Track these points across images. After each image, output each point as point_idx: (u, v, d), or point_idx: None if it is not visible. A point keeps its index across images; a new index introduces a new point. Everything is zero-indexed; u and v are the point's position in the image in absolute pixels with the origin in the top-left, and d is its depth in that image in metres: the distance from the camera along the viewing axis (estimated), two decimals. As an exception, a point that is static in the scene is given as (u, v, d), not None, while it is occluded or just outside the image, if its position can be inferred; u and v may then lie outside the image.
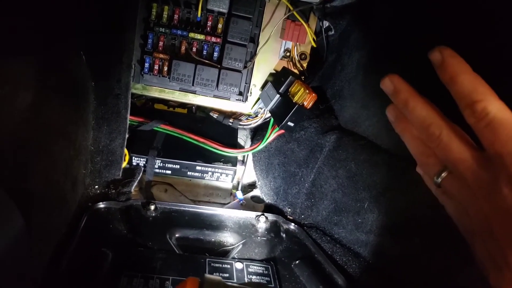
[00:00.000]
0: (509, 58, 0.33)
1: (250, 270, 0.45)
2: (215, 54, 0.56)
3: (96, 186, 0.53)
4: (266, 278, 0.44)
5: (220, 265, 0.44)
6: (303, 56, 0.60)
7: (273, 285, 0.44)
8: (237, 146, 0.65)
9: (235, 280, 0.43)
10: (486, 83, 0.26)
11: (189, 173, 0.61)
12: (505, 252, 0.24)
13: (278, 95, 0.55)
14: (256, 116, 0.62)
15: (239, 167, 0.63)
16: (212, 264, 0.44)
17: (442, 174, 0.29)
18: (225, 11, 0.54)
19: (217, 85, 0.57)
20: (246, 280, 0.43)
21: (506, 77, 0.31)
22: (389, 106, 0.35)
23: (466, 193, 0.28)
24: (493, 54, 0.35)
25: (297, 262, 0.48)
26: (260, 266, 0.46)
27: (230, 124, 0.63)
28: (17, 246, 0.33)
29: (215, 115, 0.64)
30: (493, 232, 0.25)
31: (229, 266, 0.44)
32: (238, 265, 0.45)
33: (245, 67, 0.57)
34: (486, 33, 0.36)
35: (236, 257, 0.48)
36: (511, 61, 0.33)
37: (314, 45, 0.58)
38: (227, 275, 0.43)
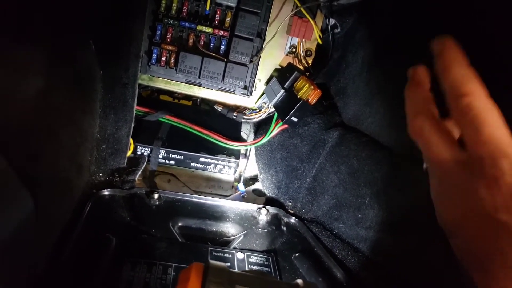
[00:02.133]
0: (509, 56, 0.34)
1: (251, 260, 0.46)
2: (222, 48, 0.56)
3: (101, 174, 0.53)
4: (267, 269, 0.45)
5: (222, 254, 0.45)
6: (308, 53, 0.60)
7: (273, 276, 0.45)
8: (240, 139, 0.66)
9: (236, 270, 0.44)
10: (479, 79, 0.25)
11: (192, 164, 0.61)
12: (487, 255, 0.24)
13: (282, 90, 0.55)
14: (260, 110, 0.63)
15: (242, 160, 0.64)
16: (214, 253, 0.45)
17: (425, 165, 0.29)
18: (233, 5, 0.54)
19: (222, 78, 0.57)
20: (247, 269, 0.44)
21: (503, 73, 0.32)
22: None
23: (440, 189, 0.27)
24: (493, 53, 0.35)
25: (297, 254, 0.49)
26: (261, 257, 0.47)
27: (234, 117, 0.64)
28: (26, 228, 0.33)
29: (219, 108, 0.65)
30: (472, 234, 0.25)
31: (230, 255, 0.45)
32: (240, 255, 0.46)
33: (251, 61, 0.57)
34: (486, 32, 0.36)
35: (237, 247, 0.49)
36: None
37: (320, 42, 0.59)
38: (228, 264, 0.44)
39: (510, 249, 0.23)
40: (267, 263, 0.46)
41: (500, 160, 0.23)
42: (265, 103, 0.62)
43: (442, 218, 0.28)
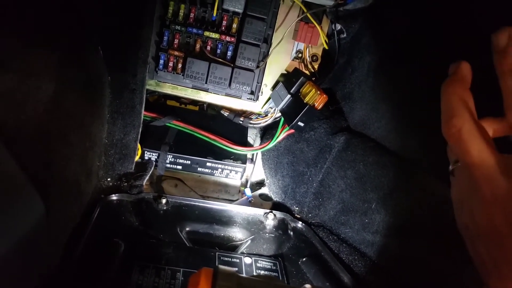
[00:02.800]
0: None
1: (258, 265, 0.46)
2: (229, 53, 0.57)
3: (109, 179, 0.54)
4: (274, 273, 0.45)
5: (230, 259, 0.45)
6: (314, 58, 0.61)
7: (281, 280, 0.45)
8: (247, 144, 0.66)
9: (244, 275, 0.44)
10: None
11: (199, 169, 0.62)
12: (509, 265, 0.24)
13: (289, 95, 0.56)
14: (266, 115, 0.63)
15: (248, 165, 0.65)
16: (222, 258, 0.45)
17: (457, 164, 0.28)
18: (240, 11, 0.55)
19: (229, 84, 0.58)
20: (255, 274, 0.44)
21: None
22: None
23: (475, 195, 0.26)
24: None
25: (304, 259, 0.49)
26: (269, 262, 0.47)
27: (241, 122, 0.64)
28: (37, 231, 0.34)
29: (226, 113, 0.65)
30: (499, 240, 0.25)
31: (238, 260, 0.45)
32: (247, 260, 0.46)
33: (257, 66, 0.58)
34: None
35: (245, 252, 0.49)
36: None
37: (326, 47, 0.59)
38: (236, 269, 0.44)
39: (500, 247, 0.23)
40: (274, 267, 0.46)
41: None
42: (272, 108, 0.62)
43: (466, 221, 0.27)
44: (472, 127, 0.26)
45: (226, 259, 0.45)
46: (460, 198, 0.28)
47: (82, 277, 0.39)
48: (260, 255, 0.48)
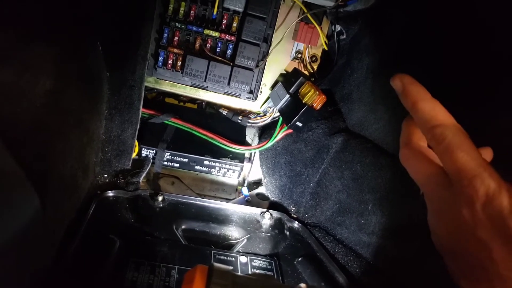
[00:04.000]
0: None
1: (254, 264, 0.46)
2: (228, 52, 0.57)
3: (106, 175, 0.54)
4: (270, 273, 0.45)
5: (225, 258, 0.45)
6: (314, 58, 0.61)
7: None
8: (245, 143, 0.66)
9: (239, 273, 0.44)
10: (444, 108, 0.27)
11: (196, 167, 0.62)
12: (472, 270, 0.25)
13: (288, 95, 0.56)
14: (265, 115, 0.63)
15: (246, 164, 0.64)
16: (217, 256, 0.45)
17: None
18: (240, 10, 0.55)
19: (228, 82, 0.58)
20: (250, 273, 0.44)
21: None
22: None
23: (435, 212, 0.29)
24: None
25: (299, 259, 0.49)
26: (264, 261, 0.47)
27: (239, 121, 0.64)
28: (33, 226, 0.34)
29: (224, 112, 0.65)
30: (459, 251, 0.26)
31: (233, 259, 0.45)
32: (243, 259, 0.46)
33: (257, 66, 0.58)
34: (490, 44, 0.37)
35: (240, 251, 0.49)
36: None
37: (326, 48, 0.59)
38: (231, 267, 0.44)
39: (489, 263, 0.24)
40: (270, 267, 0.46)
41: (473, 179, 0.24)
42: (270, 108, 0.62)
43: (434, 237, 0.30)
44: (416, 155, 0.30)
45: (221, 257, 0.45)
46: (428, 216, 0.30)
47: (77, 272, 0.39)
48: (256, 254, 0.48)
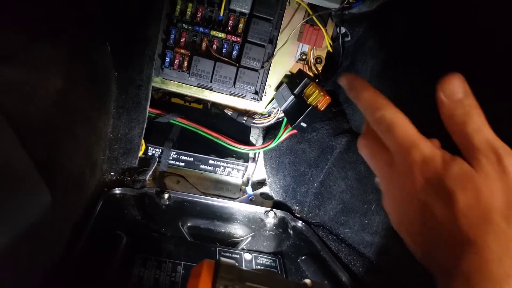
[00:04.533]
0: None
1: (258, 261, 0.46)
2: (234, 53, 0.58)
3: (113, 173, 0.55)
4: (274, 270, 0.46)
5: (230, 255, 0.46)
6: (318, 60, 0.62)
7: (280, 277, 0.45)
8: (249, 143, 0.67)
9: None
10: (383, 95, 0.30)
11: (201, 166, 0.62)
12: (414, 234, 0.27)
13: (292, 96, 0.56)
14: (269, 115, 0.64)
15: (250, 164, 0.65)
16: (222, 253, 0.46)
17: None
18: (246, 11, 0.56)
19: (234, 83, 0.58)
20: (255, 268, 0.44)
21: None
22: None
23: (386, 195, 0.30)
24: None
25: (303, 257, 0.49)
26: (268, 258, 0.47)
27: (244, 121, 0.65)
28: (43, 220, 0.34)
29: (229, 112, 0.66)
30: (411, 223, 0.28)
31: (238, 256, 0.46)
32: (247, 256, 0.46)
33: (262, 67, 0.59)
34: (494, 46, 0.37)
35: (245, 248, 0.49)
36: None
37: (331, 50, 0.60)
38: (236, 264, 0.45)
39: (435, 224, 0.25)
40: (274, 264, 0.47)
41: (410, 149, 0.27)
42: (275, 109, 0.63)
43: (392, 220, 0.31)
44: (368, 143, 0.32)
45: (226, 254, 0.46)
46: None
47: (84, 268, 0.40)
48: (260, 252, 0.49)
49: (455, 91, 0.27)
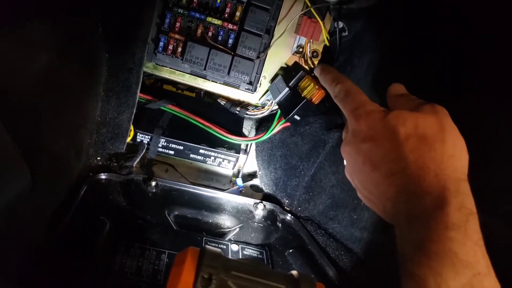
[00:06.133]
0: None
1: (245, 252, 0.45)
2: (230, 41, 0.57)
3: (99, 158, 0.53)
4: (260, 261, 0.45)
5: (217, 245, 0.45)
6: (315, 54, 0.61)
7: (266, 269, 0.44)
8: (241, 134, 0.66)
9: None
10: (344, 75, 0.41)
11: (191, 155, 0.61)
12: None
13: (287, 88, 0.56)
14: (263, 107, 0.63)
15: (242, 156, 0.64)
16: (208, 243, 0.45)
17: None
18: (244, -1, 0.55)
19: (228, 72, 0.57)
20: (242, 257, 0.44)
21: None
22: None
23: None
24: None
25: (290, 250, 0.49)
26: (255, 250, 0.46)
27: (237, 112, 0.64)
28: (23, 200, 0.33)
29: (222, 102, 0.65)
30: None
31: (225, 246, 0.45)
32: (234, 247, 0.45)
33: (258, 57, 0.57)
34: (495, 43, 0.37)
35: (232, 239, 0.48)
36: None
37: (328, 44, 0.59)
38: (222, 253, 0.44)
39: (372, 164, 0.33)
40: (261, 256, 0.46)
41: (359, 108, 0.34)
42: (269, 101, 0.62)
43: (355, 186, 0.39)
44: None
45: (212, 244, 0.45)
46: None
47: (66, 251, 0.39)
48: (247, 243, 0.48)
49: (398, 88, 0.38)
